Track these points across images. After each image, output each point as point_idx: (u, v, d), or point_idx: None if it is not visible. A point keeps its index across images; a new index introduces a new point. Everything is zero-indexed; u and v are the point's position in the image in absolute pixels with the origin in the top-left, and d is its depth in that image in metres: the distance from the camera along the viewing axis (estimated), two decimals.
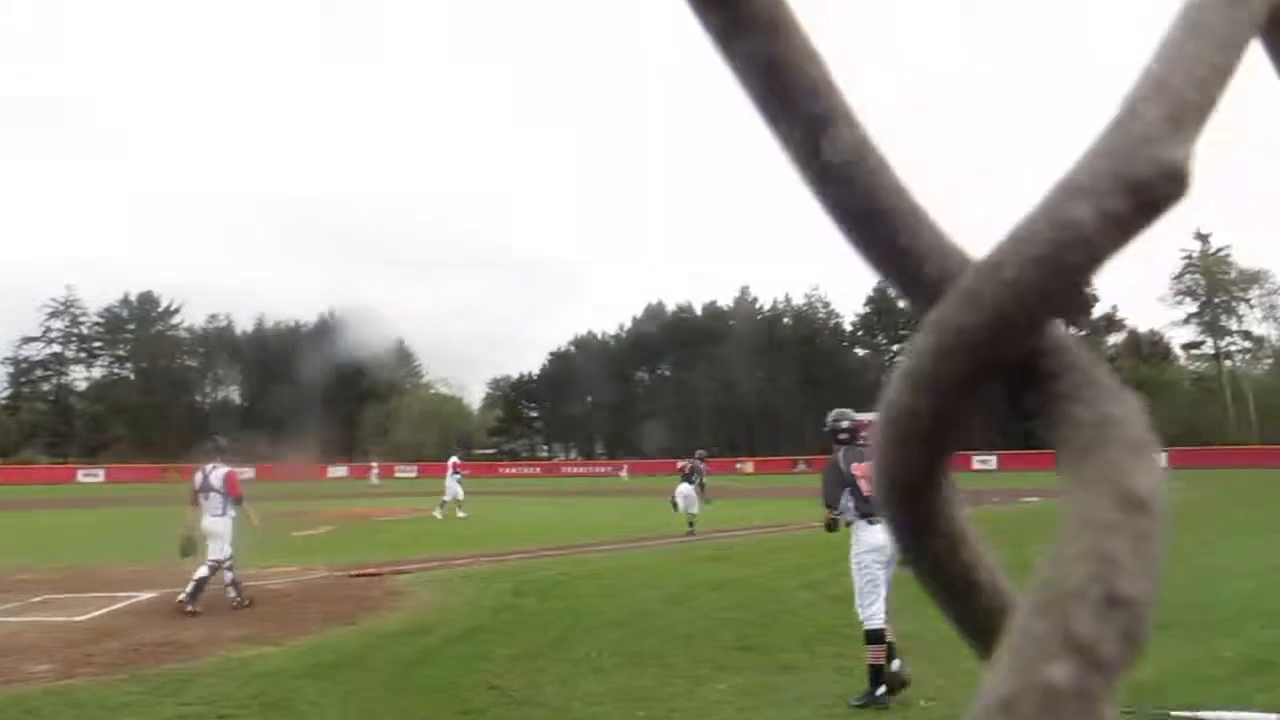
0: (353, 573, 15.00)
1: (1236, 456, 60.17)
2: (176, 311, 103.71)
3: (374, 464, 60.50)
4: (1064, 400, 0.30)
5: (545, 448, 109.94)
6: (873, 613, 7.66)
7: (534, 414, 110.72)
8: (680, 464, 24.78)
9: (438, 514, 29.05)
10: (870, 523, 7.78)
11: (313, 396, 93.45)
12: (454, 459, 31.78)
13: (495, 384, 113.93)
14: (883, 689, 7.41)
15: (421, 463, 78.39)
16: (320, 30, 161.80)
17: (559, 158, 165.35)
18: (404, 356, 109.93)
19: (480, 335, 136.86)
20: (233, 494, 12.52)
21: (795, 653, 9.18)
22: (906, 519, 0.32)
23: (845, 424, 8.21)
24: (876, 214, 0.32)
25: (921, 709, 7.36)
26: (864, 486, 7.73)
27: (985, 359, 0.28)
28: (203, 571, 12.08)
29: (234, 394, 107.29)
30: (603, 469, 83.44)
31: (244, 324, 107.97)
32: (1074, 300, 0.29)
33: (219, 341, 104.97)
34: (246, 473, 70.09)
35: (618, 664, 8.83)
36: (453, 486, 30.14)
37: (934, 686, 7.65)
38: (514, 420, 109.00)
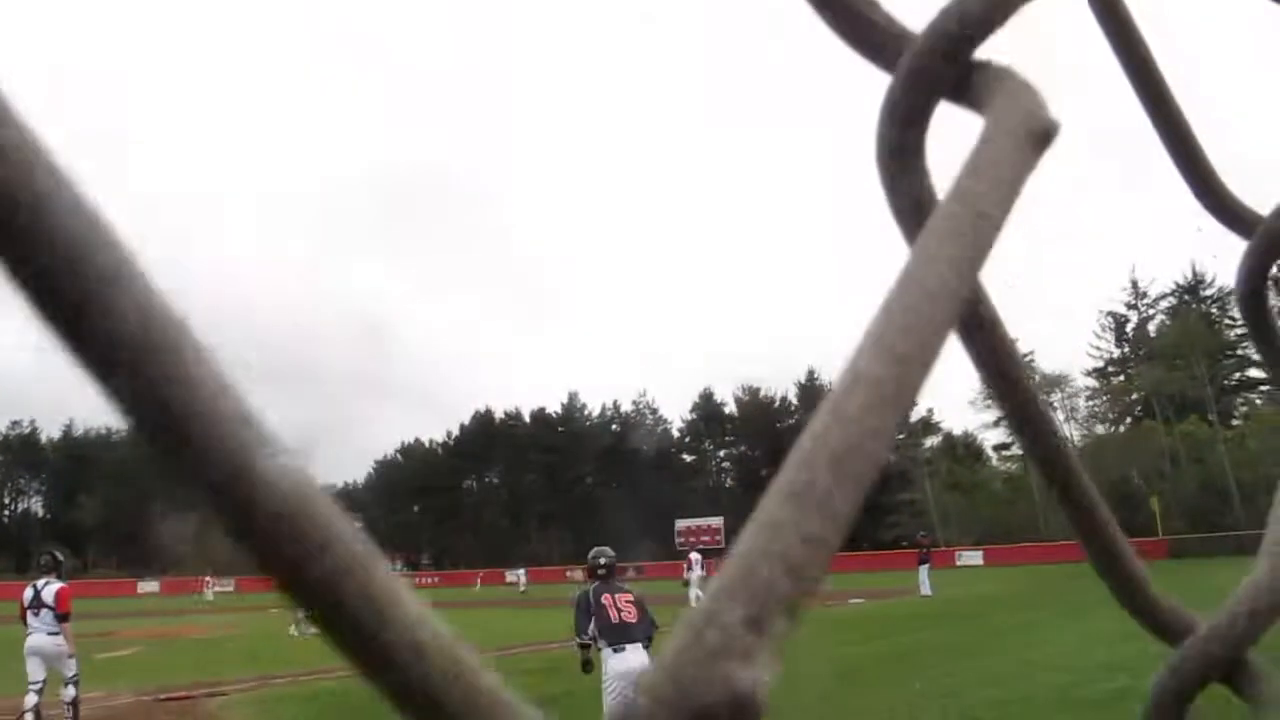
0: (161, 697, 14.13)
1: (1047, 551, 62.91)
2: None
3: (209, 578, 57.14)
4: None
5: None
6: None
7: (358, 523, 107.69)
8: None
9: (295, 631, 27.37)
10: (615, 651, 8.44)
11: (125, 507, 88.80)
12: None
13: None
14: None
15: (239, 577, 74.91)
16: (151, 115, 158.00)
17: (382, 263, 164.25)
18: None
19: (301, 442, 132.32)
20: (62, 610, 11.99)
21: None
22: None
23: (603, 560, 9.19)
24: None
25: None
26: (611, 615, 8.56)
27: None
28: (70, 692, 11.83)
29: (36, 505, 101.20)
30: (430, 579, 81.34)
31: (50, 431, 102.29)
32: None
33: (22, 449, 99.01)
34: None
35: None
36: None
37: None
38: None
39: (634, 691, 0.25)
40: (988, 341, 0.49)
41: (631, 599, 8.85)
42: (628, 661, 8.33)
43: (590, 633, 8.71)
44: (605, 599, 8.72)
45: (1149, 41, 0.56)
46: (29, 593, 12.23)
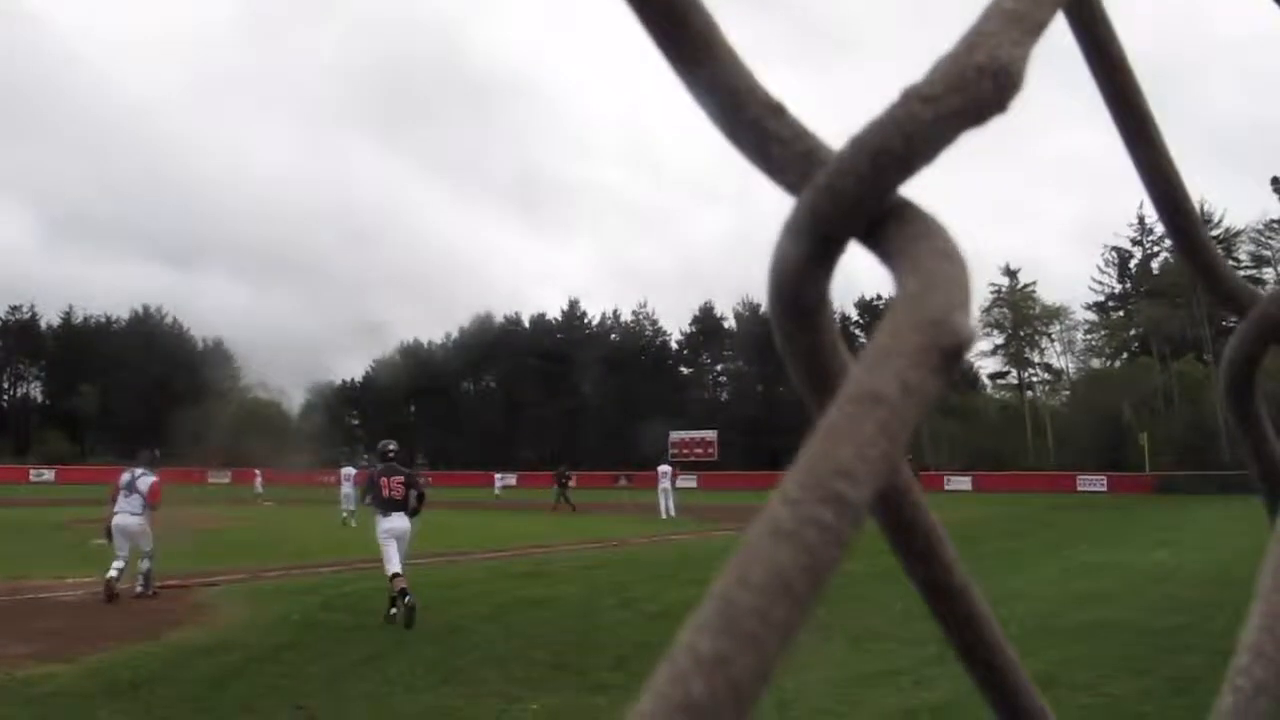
0: (156, 584, 14.27)
1: (1035, 481, 63.57)
2: None
3: (257, 470, 56.43)
4: None
5: (366, 457, 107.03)
6: (391, 568, 11.73)
7: (355, 422, 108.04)
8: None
9: (353, 523, 28.72)
10: (384, 516, 12.17)
11: (122, 395, 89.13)
12: (350, 468, 32.71)
13: (315, 389, 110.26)
14: (394, 611, 11.47)
15: (235, 468, 75.41)
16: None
17: (387, 161, 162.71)
18: (222, 357, 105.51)
19: (303, 339, 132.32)
20: (153, 501, 13.94)
21: (609, 672, 9.19)
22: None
23: (390, 448, 12.82)
24: None
25: None
26: (384, 492, 12.26)
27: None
28: (145, 564, 13.66)
29: (35, 391, 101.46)
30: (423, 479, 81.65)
31: (50, 317, 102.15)
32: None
33: (21, 335, 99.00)
34: (48, 474, 66.16)
35: (430, 683, 8.67)
36: (351, 494, 30.32)
37: None
38: (334, 428, 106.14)
39: None
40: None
41: (402, 481, 12.40)
42: (391, 523, 12.09)
43: (368, 501, 12.69)
44: (383, 481, 12.33)
45: (1155, 119, 0.52)
46: (125, 477, 14.08)
